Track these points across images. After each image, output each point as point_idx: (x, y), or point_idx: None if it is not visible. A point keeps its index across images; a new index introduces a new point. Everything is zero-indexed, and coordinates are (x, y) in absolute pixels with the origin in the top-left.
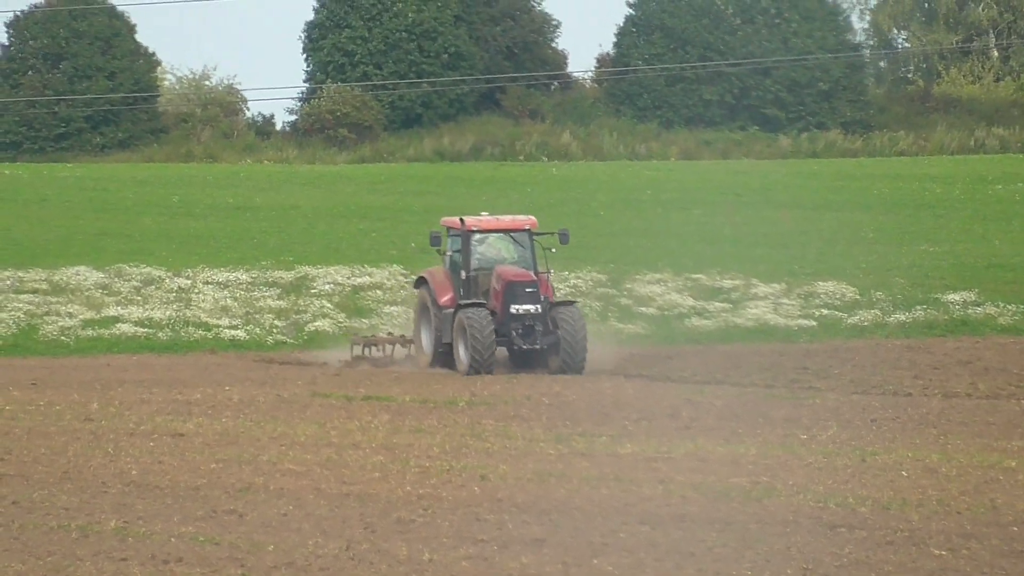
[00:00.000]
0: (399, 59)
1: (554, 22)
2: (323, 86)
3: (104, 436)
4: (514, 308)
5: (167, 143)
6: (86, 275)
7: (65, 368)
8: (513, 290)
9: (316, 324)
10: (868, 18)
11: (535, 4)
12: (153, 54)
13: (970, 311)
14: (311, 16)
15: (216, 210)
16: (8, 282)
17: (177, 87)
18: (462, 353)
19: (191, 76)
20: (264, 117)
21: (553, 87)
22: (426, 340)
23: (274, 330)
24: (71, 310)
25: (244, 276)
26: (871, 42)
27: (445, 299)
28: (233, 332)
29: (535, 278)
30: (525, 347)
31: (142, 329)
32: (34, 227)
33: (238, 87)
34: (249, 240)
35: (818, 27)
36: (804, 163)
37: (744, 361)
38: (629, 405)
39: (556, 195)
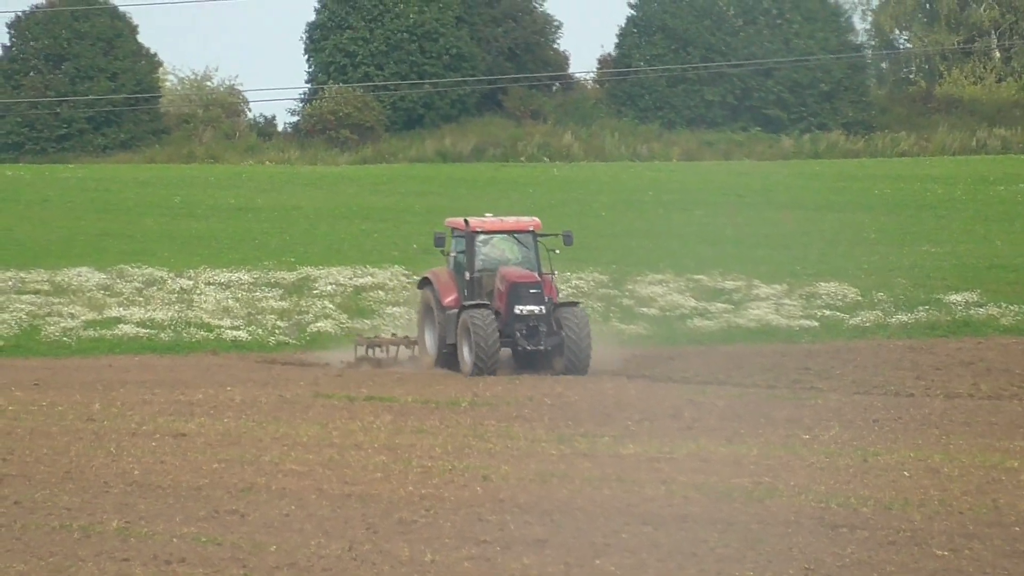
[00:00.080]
0: (401, 60)
1: (556, 23)
2: (325, 87)
3: (106, 436)
4: (518, 309)
5: (169, 144)
6: (88, 276)
7: (67, 369)
8: (517, 291)
9: (318, 325)
10: (870, 19)
11: (537, 5)
12: (155, 55)
13: (972, 312)
14: (312, 17)
15: (218, 211)
16: (10, 283)
17: (179, 88)
18: (466, 354)
19: (193, 77)
20: (266, 118)
21: (555, 88)
22: (430, 341)
23: (276, 331)
24: (73, 311)
25: (246, 277)
26: (873, 43)
27: (449, 300)
28: (235, 333)
29: (539, 279)
30: (529, 348)
31: (144, 330)
32: (36, 228)
33: (240, 88)
34: (251, 241)
35: (820, 28)
36: (806, 164)
37: (746, 362)
38: (631, 406)
39: (558, 196)
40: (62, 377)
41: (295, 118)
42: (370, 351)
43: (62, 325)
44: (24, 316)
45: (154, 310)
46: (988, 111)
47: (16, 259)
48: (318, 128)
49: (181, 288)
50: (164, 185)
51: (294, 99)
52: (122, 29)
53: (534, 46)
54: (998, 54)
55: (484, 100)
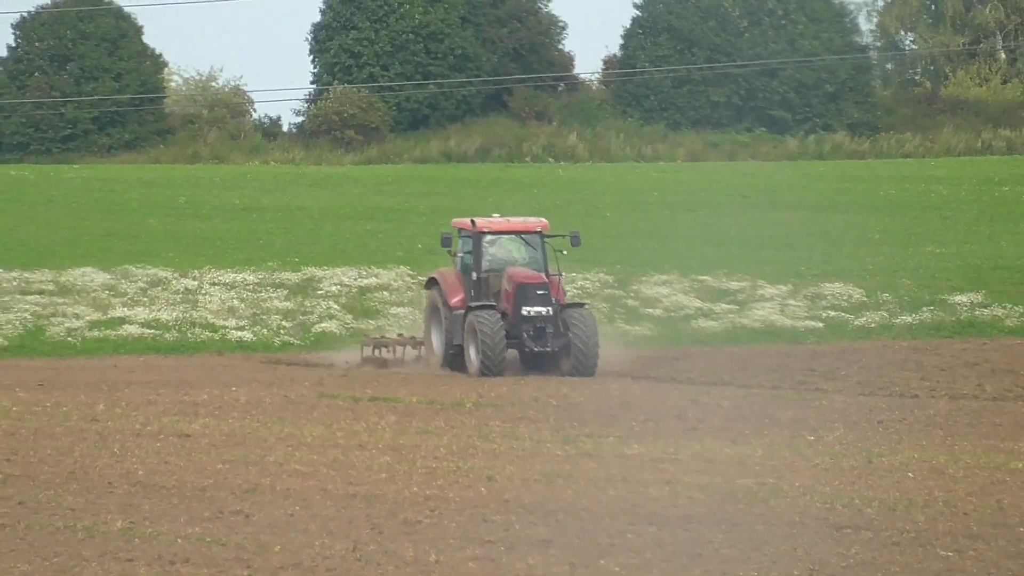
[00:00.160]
0: (406, 60)
1: (561, 24)
2: (330, 87)
3: (110, 437)
4: (525, 310)
5: (174, 144)
6: (92, 276)
7: (71, 369)
8: (524, 292)
9: (323, 325)
10: (875, 20)
11: (542, 6)
12: (160, 55)
13: (977, 313)
14: (318, 18)
15: (223, 211)
16: (15, 283)
17: (184, 88)
18: (472, 355)
19: (198, 77)
20: (271, 118)
21: (560, 89)
22: (436, 341)
23: (281, 331)
24: (77, 311)
25: (251, 277)
26: (878, 44)
27: (456, 300)
28: (240, 333)
29: (546, 280)
30: (536, 349)
31: (149, 330)
32: (41, 228)
33: (245, 88)
34: (256, 241)
35: (825, 29)
36: (811, 165)
37: (751, 362)
38: (636, 406)
39: (563, 196)
40: (66, 377)
41: (300, 118)
42: (376, 351)
43: (66, 325)
44: (29, 316)
45: (159, 310)
46: (993, 112)
47: (21, 259)
48: (323, 128)
49: (186, 288)
50: (169, 185)
51: (299, 99)
52: (127, 29)
53: (539, 47)
54: (1003, 55)
55: (489, 101)
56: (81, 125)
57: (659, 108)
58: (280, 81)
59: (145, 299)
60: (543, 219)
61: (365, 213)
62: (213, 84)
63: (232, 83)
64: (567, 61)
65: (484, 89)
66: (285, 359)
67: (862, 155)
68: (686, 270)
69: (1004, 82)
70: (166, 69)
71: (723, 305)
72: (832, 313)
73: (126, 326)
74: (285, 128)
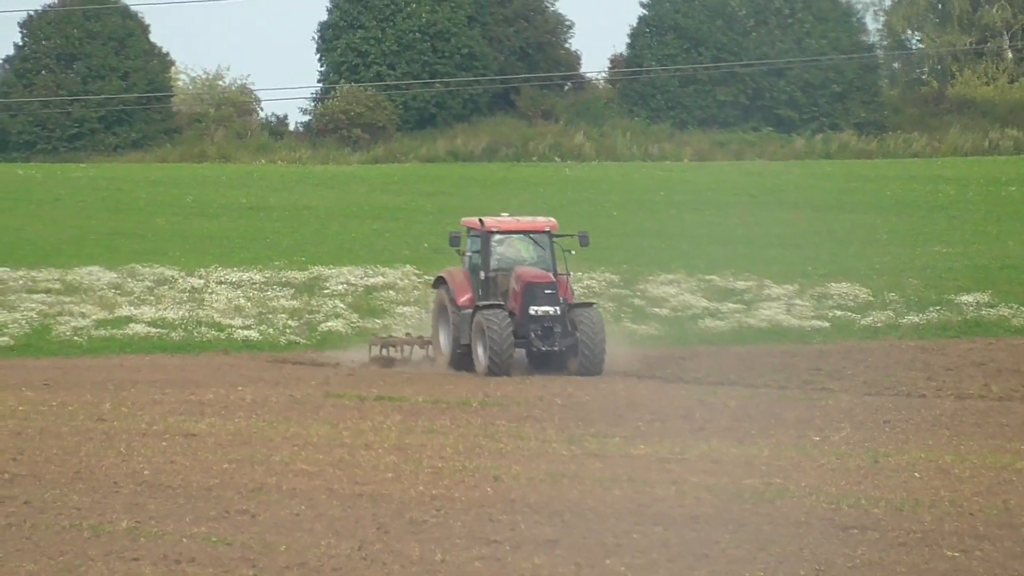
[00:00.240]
0: (413, 59)
1: (567, 23)
2: (337, 86)
3: (116, 436)
4: (533, 310)
5: (180, 143)
6: (99, 275)
7: (78, 368)
8: (532, 291)
9: (329, 324)
10: (882, 19)
11: (549, 5)
12: (167, 54)
13: (983, 312)
14: (324, 16)
15: (229, 210)
16: (21, 282)
17: (191, 87)
18: (480, 354)
19: (205, 76)
20: (278, 117)
21: (567, 88)
22: (444, 341)
23: (287, 330)
24: (84, 310)
25: (257, 276)
26: (885, 43)
27: (464, 299)
28: (246, 332)
29: (554, 280)
30: (544, 349)
31: (155, 329)
32: (47, 227)
33: (251, 87)
34: (262, 240)
35: (832, 28)
36: (818, 164)
37: (757, 362)
38: (642, 406)
39: (569, 196)
40: (72, 377)
41: (307, 117)
42: (384, 351)
43: (73, 324)
44: (35, 315)
45: (165, 309)
46: (1000, 112)
47: (27, 258)
48: (330, 127)
49: (192, 287)
50: (175, 184)
51: (306, 98)
52: (134, 28)
53: (546, 46)
54: (1010, 55)
55: (496, 100)
56: (88, 124)
57: (666, 107)
58: (287, 80)
59: (151, 298)
60: (552, 219)
61: (372, 212)
62: (220, 83)
63: (239, 82)
64: (574, 60)
65: (491, 88)
66: (291, 358)
67: (869, 155)
68: (693, 269)
69: (1011, 81)
70: (173, 68)
71: (730, 305)
72: (839, 313)
73: (132, 325)
74: (292, 127)
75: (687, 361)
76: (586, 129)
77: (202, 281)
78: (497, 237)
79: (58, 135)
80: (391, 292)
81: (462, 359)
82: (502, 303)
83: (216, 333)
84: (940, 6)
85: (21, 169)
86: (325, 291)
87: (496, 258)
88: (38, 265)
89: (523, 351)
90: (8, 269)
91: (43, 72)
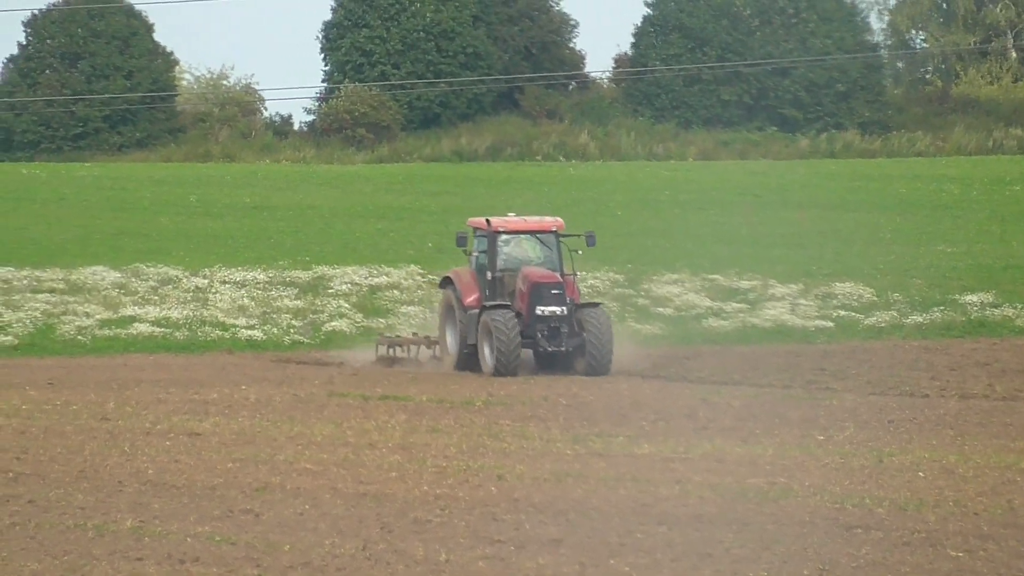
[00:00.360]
0: (417, 59)
1: (572, 22)
2: (341, 86)
3: (120, 435)
4: (540, 310)
5: (185, 143)
6: (103, 275)
7: (82, 368)
8: (539, 291)
9: (333, 324)
10: (886, 18)
11: (553, 4)
12: (171, 53)
13: (987, 312)
14: (329, 16)
15: (233, 210)
16: (25, 281)
17: (195, 87)
18: (487, 354)
19: (209, 75)
20: (282, 117)
21: (571, 87)
22: (451, 341)
23: (291, 330)
24: (88, 310)
25: (261, 276)
26: (889, 42)
27: (470, 300)
28: (250, 332)
29: (561, 280)
30: (550, 349)
31: (159, 329)
32: (52, 226)
33: (256, 87)
34: (266, 240)
35: (836, 27)
36: (822, 163)
37: (761, 362)
38: (646, 406)
39: (574, 195)
40: (77, 376)
41: (311, 117)
42: (391, 351)
43: (77, 324)
44: (39, 315)
45: (169, 309)
46: (1005, 111)
47: (32, 258)
48: (334, 127)
49: (196, 287)
50: (180, 184)
51: (310, 98)
52: (138, 27)
53: (550, 45)
54: (1015, 54)
55: (500, 99)
56: (92, 123)
57: (670, 107)
58: (291, 79)
59: (155, 298)
60: (559, 219)
61: (376, 212)
62: (224, 82)
63: (243, 81)
64: (578, 60)
65: (495, 87)
66: (295, 358)
67: (873, 154)
68: (697, 269)
69: (1015, 81)
70: (177, 67)
71: (734, 304)
72: (843, 312)
73: (136, 325)
74: (296, 126)
75: (691, 361)
76: (590, 128)
77: (206, 281)
78: (504, 237)
79: (62, 134)
80: (395, 292)
81: (469, 359)
82: (509, 303)
83: (220, 333)
84: (944, 5)
85: (25, 168)
86: (329, 291)
87: (503, 258)
88: (42, 264)
89: (530, 351)
90: (12, 268)
91: (47, 71)
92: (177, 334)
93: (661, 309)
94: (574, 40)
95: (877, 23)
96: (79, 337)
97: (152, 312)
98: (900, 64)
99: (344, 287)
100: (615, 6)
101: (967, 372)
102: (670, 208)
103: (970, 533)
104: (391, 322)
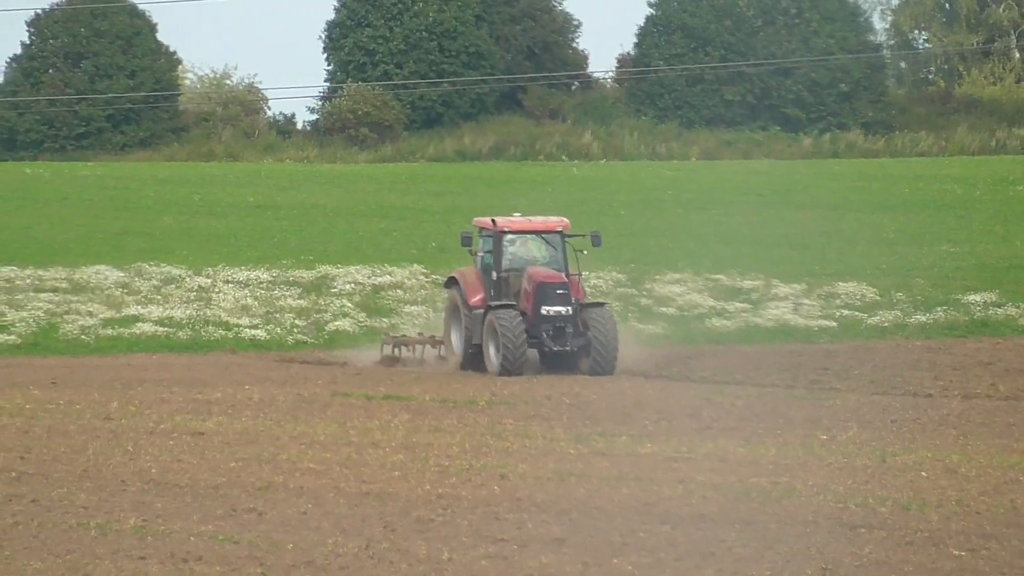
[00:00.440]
0: (420, 58)
1: (575, 22)
2: (344, 85)
3: (124, 435)
4: (545, 309)
5: (188, 142)
6: (106, 274)
7: (85, 367)
8: (544, 291)
9: (336, 324)
10: (889, 19)
11: (556, 4)
12: (174, 53)
13: (991, 312)
14: (332, 15)
15: (237, 209)
16: (28, 281)
17: (198, 86)
18: (492, 354)
19: (212, 75)
20: (285, 116)
21: (574, 87)
22: (456, 341)
23: (294, 330)
24: (91, 309)
25: (264, 275)
26: (892, 43)
27: (476, 300)
28: (253, 331)
29: (566, 280)
30: (556, 349)
31: (162, 328)
32: (55, 226)
33: (259, 86)
34: (270, 239)
35: (839, 28)
36: (825, 163)
37: (764, 362)
38: (649, 405)
39: (577, 195)
40: (80, 375)
41: (314, 116)
42: (397, 350)
43: (80, 323)
44: (42, 314)
45: (172, 308)
46: (1007, 111)
47: (35, 257)
48: (337, 126)
49: (199, 286)
50: (183, 183)
51: (313, 97)
52: (141, 27)
53: (553, 45)
54: (1017, 54)
55: (503, 99)
56: (95, 123)
57: (673, 107)
58: (294, 79)
59: (159, 297)
60: (564, 219)
61: (379, 211)
62: (227, 82)
63: (246, 81)
64: (581, 59)
65: (498, 87)
66: (299, 358)
67: (876, 154)
68: (700, 269)
69: (1018, 81)
70: (180, 67)
71: (737, 304)
72: (846, 312)
73: (139, 324)
74: (299, 126)
75: (694, 360)
76: (593, 128)
77: (209, 280)
78: (509, 237)
79: (65, 134)
80: (399, 291)
81: (474, 359)
82: (514, 303)
83: (223, 332)
84: (947, 6)
85: (29, 168)
86: (332, 290)
87: (508, 258)
88: (45, 264)
89: (535, 351)
90: (16, 268)
91: (50, 71)
92: (180, 334)
93: (664, 309)
94: (577, 40)
95: (880, 23)
96: (82, 336)
97: (155, 312)
98: (903, 64)
99: (347, 287)
100: (618, 6)
101: (970, 372)
102: (673, 208)
103: (973, 532)
104: (394, 322)
